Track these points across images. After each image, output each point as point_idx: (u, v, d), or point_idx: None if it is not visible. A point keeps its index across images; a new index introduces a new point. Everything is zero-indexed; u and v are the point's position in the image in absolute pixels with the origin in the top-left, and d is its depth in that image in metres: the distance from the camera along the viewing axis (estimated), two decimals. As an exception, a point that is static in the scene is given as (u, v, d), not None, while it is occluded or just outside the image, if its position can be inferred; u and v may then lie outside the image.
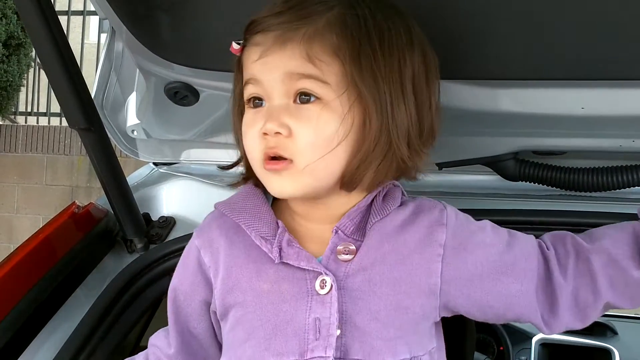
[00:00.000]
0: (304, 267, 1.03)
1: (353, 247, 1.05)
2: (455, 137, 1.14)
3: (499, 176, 1.47)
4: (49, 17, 1.17)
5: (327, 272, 1.02)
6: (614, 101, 1.23)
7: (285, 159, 0.99)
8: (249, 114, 1.05)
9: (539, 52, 1.15)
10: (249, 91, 1.04)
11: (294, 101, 0.99)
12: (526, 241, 1.10)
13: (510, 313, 1.08)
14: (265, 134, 0.99)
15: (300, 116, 0.98)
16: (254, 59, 1.01)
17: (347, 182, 1.02)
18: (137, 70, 1.44)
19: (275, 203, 1.14)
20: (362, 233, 1.06)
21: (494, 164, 1.45)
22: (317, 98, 0.98)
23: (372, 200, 1.08)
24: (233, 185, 1.16)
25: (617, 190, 1.39)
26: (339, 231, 1.05)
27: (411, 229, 1.06)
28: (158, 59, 1.31)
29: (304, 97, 0.99)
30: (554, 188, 1.44)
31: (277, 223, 1.07)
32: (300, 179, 1.00)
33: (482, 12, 1.07)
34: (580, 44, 1.11)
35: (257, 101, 1.04)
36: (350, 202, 1.08)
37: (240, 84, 1.08)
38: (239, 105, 1.09)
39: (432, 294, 1.05)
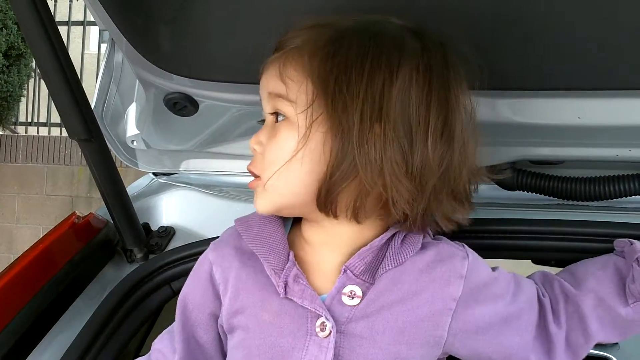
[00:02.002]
0: (306, 307, 1.02)
1: (360, 292, 1.02)
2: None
3: (496, 185, 1.48)
4: (49, 28, 1.17)
5: (329, 317, 1.00)
6: (611, 111, 1.23)
7: (256, 175, 1.04)
8: None
9: (536, 62, 1.15)
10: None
11: (275, 120, 1.03)
12: (529, 291, 1.11)
13: None
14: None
15: (271, 134, 1.02)
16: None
17: (320, 203, 1.00)
18: (137, 81, 1.45)
19: (293, 230, 1.13)
20: (372, 274, 1.03)
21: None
22: (285, 117, 1.00)
23: (389, 240, 1.05)
24: None
25: (614, 199, 1.40)
26: (348, 270, 1.03)
27: (426, 279, 1.03)
28: (157, 70, 1.31)
29: (277, 115, 1.02)
30: (552, 197, 1.45)
31: (288, 255, 1.05)
32: (265, 194, 1.02)
33: (479, 23, 1.08)
34: (577, 54, 1.11)
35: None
36: (358, 233, 1.05)
37: None
38: None
39: (436, 345, 1.03)
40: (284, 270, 1.03)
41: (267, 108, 1.04)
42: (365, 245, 1.04)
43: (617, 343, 2.78)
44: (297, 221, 1.14)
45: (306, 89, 0.97)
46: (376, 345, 0.99)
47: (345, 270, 1.02)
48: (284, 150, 0.99)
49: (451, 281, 1.03)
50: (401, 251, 1.03)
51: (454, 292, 1.02)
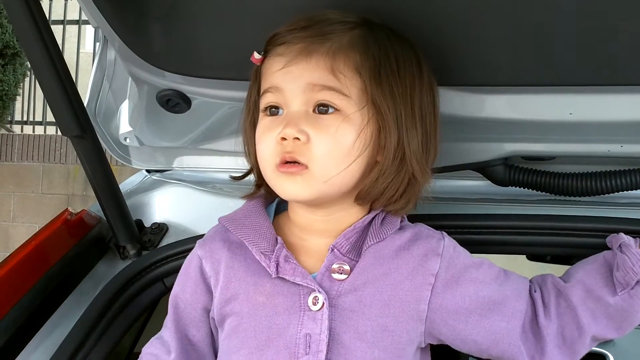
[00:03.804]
0: (298, 283, 1.07)
1: (347, 267, 1.08)
2: (446, 143, 1.16)
3: (489, 181, 1.48)
4: (41, 25, 1.18)
5: (320, 290, 1.05)
6: (602, 107, 1.24)
7: (300, 164, 1.04)
8: (265, 121, 1.09)
9: (527, 58, 1.16)
10: (267, 99, 1.09)
11: (313, 111, 1.04)
12: (518, 283, 1.14)
13: (494, 350, 1.11)
14: (283, 139, 1.04)
15: (319, 125, 1.04)
16: (277, 68, 1.06)
17: (363, 195, 1.08)
18: (129, 78, 1.45)
19: (276, 218, 1.19)
20: (358, 253, 1.10)
21: (483, 169, 1.46)
22: (336, 110, 1.03)
23: (370, 222, 1.12)
24: (247, 197, 1.20)
25: (606, 194, 1.40)
26: (335, 249, 1.09)
27: (406, 255, 1.10)
28: (150, 67, 1.31)
29: (322, 108, 1.04)
30: (544, 193, 1.45)
31: (277, 239, 1.11)
32: (314, 184, 1.05)
33: (472, 20, 1.08)
34: (568, 50, 1.12)
35: (273, 109, 1.09)
36: (350, 217, 1.13)
37: (255, 93, 1.13)
38: (253, 115, 1.15)
39: (419, 320, 1.08)
40: (275, 252, 1.09)
41: (306, 97, 1.05)
42: (349, 227, 1.12)
43: (612, 340, 2.79)
44: (278, 210, 1.21)
45: (361, 86, 1.04)
46: (365, 317, 1.06)
47: (332, 249, 1.09)
48: (342, 143, 1.04)
49: (428, 257, 1.10)
50: (382, 229, 1.11)
51: (431, 267, 1.09)
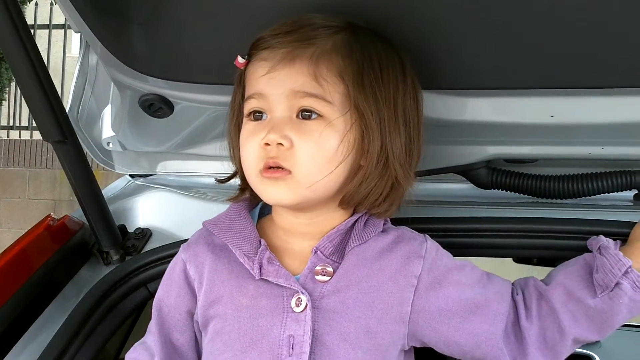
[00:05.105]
0: (282, 284, 1.07)
1: (330, 269, 1.09)
2: (428, 146, 1.16)
3: (471, 184, 1.49)
4: (21, 29, 1.17)
5: (303, 291, 1.06)
6: (583, 109, 1.25)
7: (284, 169, 1.04)
8: (249, 125, 1.10)
9: (509, 62, 1.16)
10: (251, 105, 1.09)
11: (296, 116, 1.05)
12: (501, 285, 1.15)
13: (477, 352, 1.11)
14: (266, 144, 1.05)
15: (302, 131, 1.04)
16: (261, 73, 1.07)
17: (347, 200, 1.09)
18: (112, 82, 1.44)
19: (260, 222, 1.19)
20: (341, 255, 1.11)
21: (466, 172, 1.46)
22: (319, 115, 1.04)
23: (354, 224, 1.13)
24: (232, 199, 1.20)
25: (587, 197, 1.41)
26: (318, 251, 1.10)
27: (389, 256, 1.11)
28: (132, 72, 1.31)
29: (305, 113, 1.04)
30: (526, 195, 1.45)
31: (260, 242, 1.11)
32: (297, 189, 1.05)
33: (454, 24, 1.09)
34: (549, 53, 1.12)
35: (257, 114, 1.09)
36: (334, 220, 1.13)
37: (239, 97, 1.14)
38: (237, 118, 1.15)
39: (402, 322, 1.09)
40: (258, 254, 1.09)
41: (289, 104, 1.05)
42: (332, 229, 1.12)
43: (599, 341, 2.80)
44: (262, 213, 1.21)
45: (344, 91, 1.05)
46: (348, 319, 1.06)
47: (316, 251, 1.10)
48: (325, 148, 1.04)
49: (411, 259, 1.10)
50: (364, 231, 1.12)
51: (414, 269, 1.10)
